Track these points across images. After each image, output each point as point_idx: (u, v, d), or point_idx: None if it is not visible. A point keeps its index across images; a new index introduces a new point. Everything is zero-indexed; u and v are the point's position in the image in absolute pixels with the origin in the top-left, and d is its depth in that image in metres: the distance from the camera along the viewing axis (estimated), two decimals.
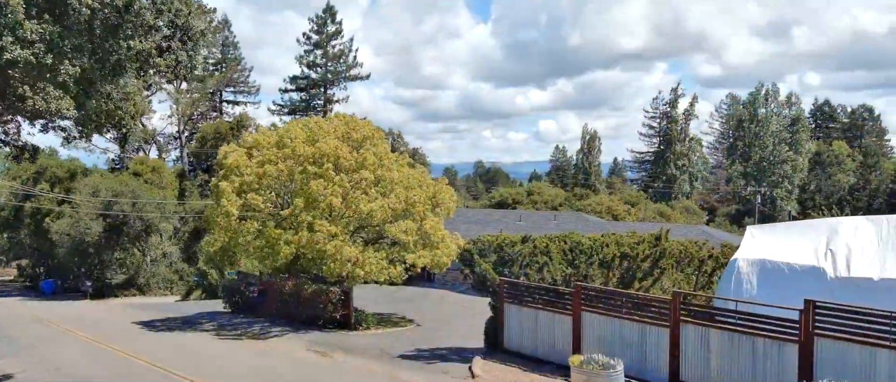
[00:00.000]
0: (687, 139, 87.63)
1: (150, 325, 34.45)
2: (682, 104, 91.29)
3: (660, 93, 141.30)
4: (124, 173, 54.15)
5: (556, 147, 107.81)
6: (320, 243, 28.83)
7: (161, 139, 57.63)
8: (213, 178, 35.40)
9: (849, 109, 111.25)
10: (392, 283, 45.39)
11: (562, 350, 20.63)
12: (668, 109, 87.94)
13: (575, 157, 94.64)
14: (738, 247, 18.94)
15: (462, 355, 24.76)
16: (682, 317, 17.51)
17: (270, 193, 31.36)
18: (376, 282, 46.42)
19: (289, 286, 32.29)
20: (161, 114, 57.70)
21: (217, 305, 40.32)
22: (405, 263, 30.60)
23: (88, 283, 49.28)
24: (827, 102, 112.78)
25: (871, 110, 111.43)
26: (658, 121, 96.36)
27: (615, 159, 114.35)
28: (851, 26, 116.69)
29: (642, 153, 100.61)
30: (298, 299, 31.71)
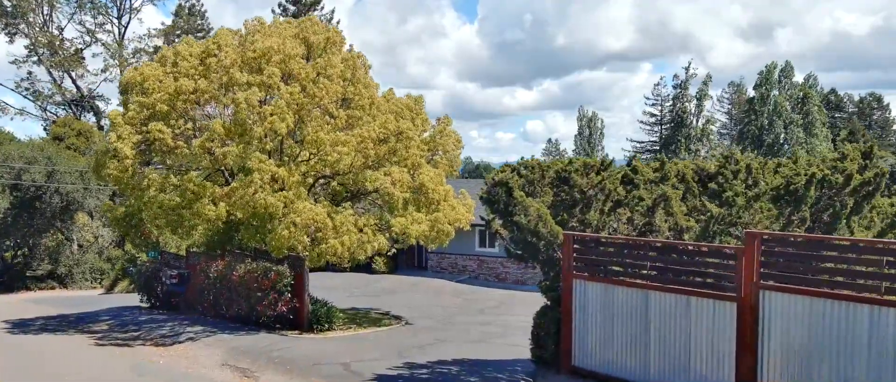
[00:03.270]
0: (702, 122, 76.93)
1: (23, 325, 22.98)
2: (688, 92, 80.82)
3: (661, 79, 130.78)
4: (44, 139, 42.64)
5: (549, 140, 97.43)
6: (259, 195, 17.50)
7: (101, 104, 46.15)
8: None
9: (856, 97, 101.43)
10: (370, 269, 34.31)
11: (711, 374, 9.53)
12: (679, 91, 77.40)
13: (575, 144, 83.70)
14: None
15: (486, 376, 13.61)
16: None
17: (189, 125, 19.89)
18: (345, 267, 34.82)
19: (216, 268, 20.84)
20: (95, 69, 45.53)
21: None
22: (391, 233, 19.37)
23: None
24: (833, 91, 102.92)
25: (879, 99, 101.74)
26: (660, 107, 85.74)
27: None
28: (833, 28, 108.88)
29: (642, 142, 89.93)
30: (229, 286, 20.28)
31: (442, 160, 21.57)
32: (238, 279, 19.53)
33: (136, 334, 19.98)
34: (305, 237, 18.13)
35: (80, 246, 41.64)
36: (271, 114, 17.37)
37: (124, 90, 21.19)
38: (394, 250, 19.92)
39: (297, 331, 19.11)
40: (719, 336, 9.57)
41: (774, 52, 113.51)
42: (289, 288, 18.98)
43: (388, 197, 18.83)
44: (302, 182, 18.94)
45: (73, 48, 44.23)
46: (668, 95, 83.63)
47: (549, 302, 12.11)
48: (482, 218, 13.61)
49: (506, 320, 22.23)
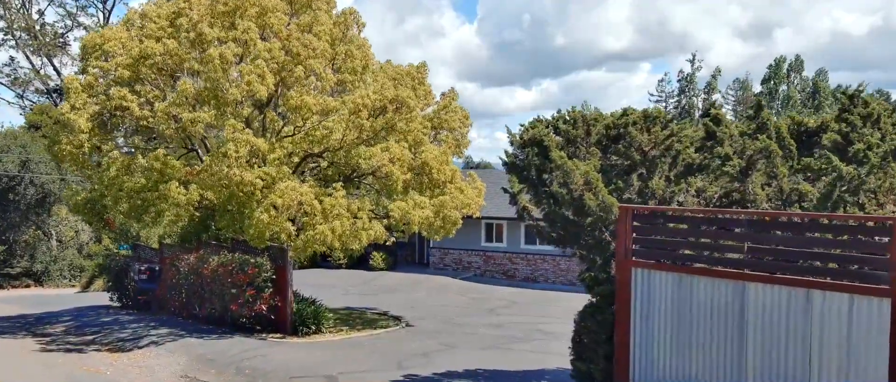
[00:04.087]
0: (711, 115, 73.77)
1: None
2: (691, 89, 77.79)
3: (665, 75, 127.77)
4: (21, 127, 39.67)
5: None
6: (234, 172, 14.48)
7: None
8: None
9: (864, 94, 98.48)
10: (367, 265, 31.28)
11: None
12: (685, 84, 74.40)
13: None
14: None
15: None
16: None
17: (157, 93, 16.82)
18: (340, 263, 32.00)
19: (187, 261, 17.83)
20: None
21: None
22: (388, 219, 16.35)
23: None
24: (839, 87, 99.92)
25: (887, 96, 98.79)
26: (664, 104, 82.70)
27: None
28: (832, 28, 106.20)
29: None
30: (201, 283, 17.25)
31: (447, 139, 18.56)
32: (210, 273, 16.50)
33: (92, 337, 16.96)
34: (289, 223, 15.13)
35: (59, 241, 38.59)
36: (249, 74, 14.31)
37: (83, 55, 18.16)
38: (393, 239, 16.89)
39: (278, 334, 16.09)
40: (860, 344, 6.57)
41: (773, 52, 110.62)
42: (269, 284, 15.95)
43: (386, 178, 15.85)
44: (286, 159, 15.93)
45: (54, 32, 41.23)
46: (674, 91, 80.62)
47: (595, 300, 9.10)
48: (517, 201, 10.50)
49: (520, 321, 19.24)
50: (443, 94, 19.94)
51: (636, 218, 8.32)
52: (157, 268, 20.23)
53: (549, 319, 19.58)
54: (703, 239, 7.93)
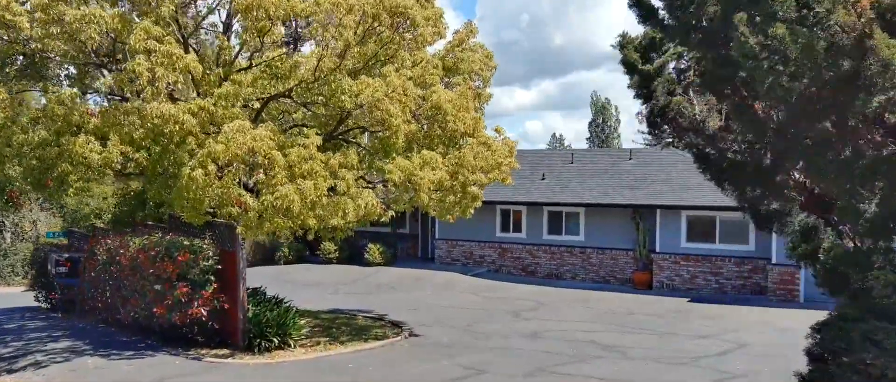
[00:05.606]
0: None
1: None
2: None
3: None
4: None
5: (553, 135, 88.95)
6: (153, 107, 9.24)
7: None
8: None
9: None
10: (362, 260, 25.21)
11: None
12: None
13: (589, 131, 75.32)
14: None
15: None
16: None
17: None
18: (331, 257, 24.97)
19: (105, 248, 12.53)
20: None
21: None
22: (387, 185, 11.11)
23: None
24: None
25: None
26: None
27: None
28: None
29: (631, 150, 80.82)
30: (120, 275, 11.94)
31: (463, 85, 13.26)
32: (129, 263, 11.25)
33: None
34: (238, 188, 9.88)
35: (13, 234, 33.22)
36: None
37: None
38: (391, 213, 11.53)
39: (224, 350, 10.83)
40: None
41: None
42: (210, 277, 10.68)
43: (382, 126, 10.60)
44: (235, 95, 10.62)
45: None
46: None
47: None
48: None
49: (558, 329, 14.07)
50: (456, 32, 14.69)
51: None
52: (78, 259, 14.95)
53: (595, 326, 14.46)
54: None
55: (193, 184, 9.19)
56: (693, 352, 12.00)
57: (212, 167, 9.25)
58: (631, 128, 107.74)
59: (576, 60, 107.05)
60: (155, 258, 10.53)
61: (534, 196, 23.00)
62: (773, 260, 18.52)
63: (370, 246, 24.46)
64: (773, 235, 19.21)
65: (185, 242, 10.65)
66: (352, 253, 25.17)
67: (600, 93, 78.64)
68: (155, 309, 10.55)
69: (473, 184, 11.37)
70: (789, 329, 14.58)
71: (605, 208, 21.63)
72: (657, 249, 20.63)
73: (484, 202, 12.96)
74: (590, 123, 75.48)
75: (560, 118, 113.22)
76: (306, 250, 25.91)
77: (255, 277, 22.09)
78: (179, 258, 10.34)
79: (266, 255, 26.11)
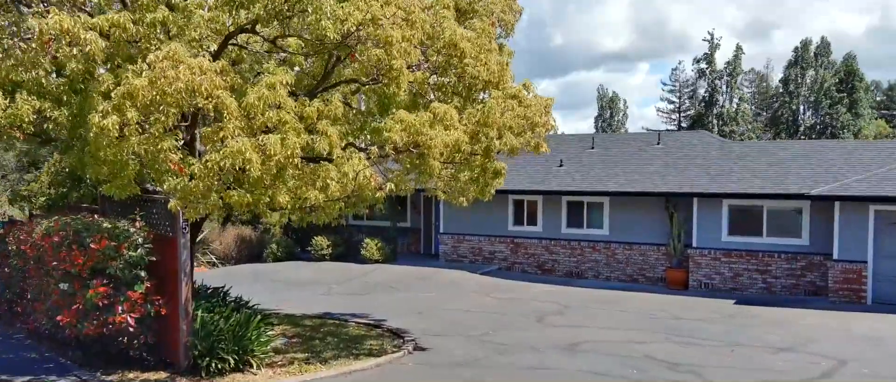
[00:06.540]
0: (736, 100, 65.36)
1: None
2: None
3: (680, 63, 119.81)
4: None
5: (556, 133, 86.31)
6: (42, 22, 6.32)
7: None
8: None
9: (886, 84, 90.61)
10: (358, 257, 20.95)
11: None
12: (705, 66, 65.93)
13: (595, 125, 72.28)
14: None
15: None
16: None
17: None
18: (324, 254, 21.45)
19: (16, 237, 9.53)
20: None
21: None
22: (384, 150, 8.17)
23: None
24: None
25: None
26: (678, 94, 74.54)
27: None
28: (830, 28, 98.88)
29: (660, 132, 78.48)
30: (25, 270, 8.96)
31: (485, 21, 10.24)
32: (33, 253, 8.25)
33: None
34: (174, 145, 6.88)
35: None
36: None
37: None
38: (391, 192, 8.47)
39: (161, 374, 7.85)
40: None
41: (771, 52, 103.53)
42: (138, 272, 7.68)
43: (378, 67, 7.61)
44: (176, 24, 7.58)
45: None
46: (688, 80, 72.35)
47: None
48: None
49: (599, 340, 11.14)
50: None
51: None
52: None
53: (642, 335, 11.60)
54: None
55: (104, 138, 6.22)
56: (787, 372, 9.09)
57: (132, 113, 6.26)
58: (640, 123, 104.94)
59: (575, 60, 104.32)
60: (61, 246, 7.52)
61: (551, 184, 20.00)
62: (836, 256, 15.60)
63: (367, 241, 21.50)
64: (836, 227, 16.49)
65: (106, 224, 7.62)
66: (347, 250, 22.20)
67: (592, 102, 75.95)
68: (58, 317, 7.52)
69: (500, 151, 8.40)
70: (880, 339, 11.62)
71: (634, 197, 18.65)
72: (694, 244, 17.71)
73: (495, 191, 9.97)
74: (596, 118, 72.67)
75: (561, 118, 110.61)
76: (297, 247, 22.96)
77: (238, 276, 19.07)
78: (93, 246, 7.33)
79: (253, 252, 23.11)
